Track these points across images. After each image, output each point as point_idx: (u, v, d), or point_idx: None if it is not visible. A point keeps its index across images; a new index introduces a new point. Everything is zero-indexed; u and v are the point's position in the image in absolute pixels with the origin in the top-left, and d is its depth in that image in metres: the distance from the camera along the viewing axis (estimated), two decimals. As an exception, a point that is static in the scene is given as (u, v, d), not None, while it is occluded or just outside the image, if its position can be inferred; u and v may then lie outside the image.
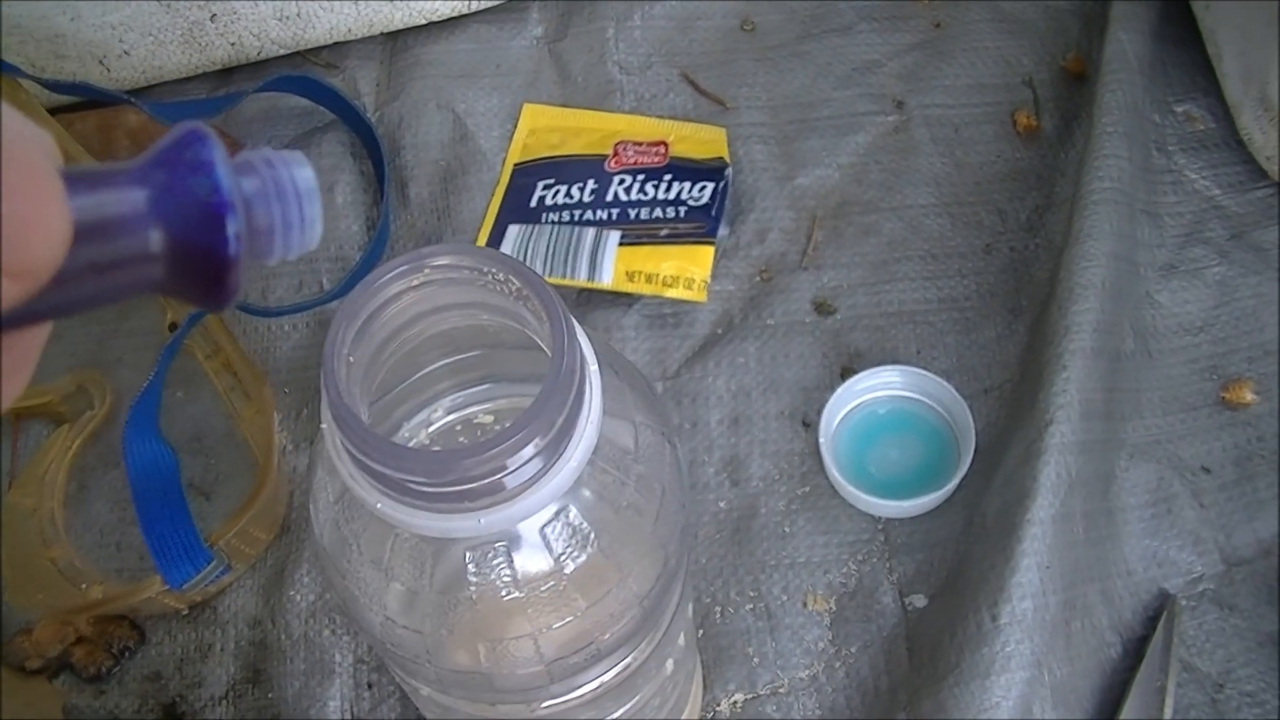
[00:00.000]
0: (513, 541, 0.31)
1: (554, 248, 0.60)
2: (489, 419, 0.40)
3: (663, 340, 0.60)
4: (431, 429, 0.39)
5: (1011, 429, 0.56)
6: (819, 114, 0.65)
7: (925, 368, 0.59)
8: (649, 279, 0.59)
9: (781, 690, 0.52)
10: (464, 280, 0.31)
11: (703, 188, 0.61)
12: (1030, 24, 0.67)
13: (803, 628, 0.53)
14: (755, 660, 0.53)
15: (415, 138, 0.65)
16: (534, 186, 0.63)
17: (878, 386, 0.58)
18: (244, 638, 0.55)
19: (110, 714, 0.54)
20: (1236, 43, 0.59)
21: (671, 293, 0.59)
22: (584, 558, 0.32)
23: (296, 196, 0.22)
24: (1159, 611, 0.53)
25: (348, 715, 0.53)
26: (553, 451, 0.29)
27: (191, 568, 0.52)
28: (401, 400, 0.37)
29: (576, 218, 0.61)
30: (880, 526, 0.56)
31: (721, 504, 0.57)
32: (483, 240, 0.62)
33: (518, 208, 0.62)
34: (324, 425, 0.31)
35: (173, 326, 0.60)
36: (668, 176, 0.61)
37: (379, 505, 0.29)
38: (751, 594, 0.55)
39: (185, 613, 0.56)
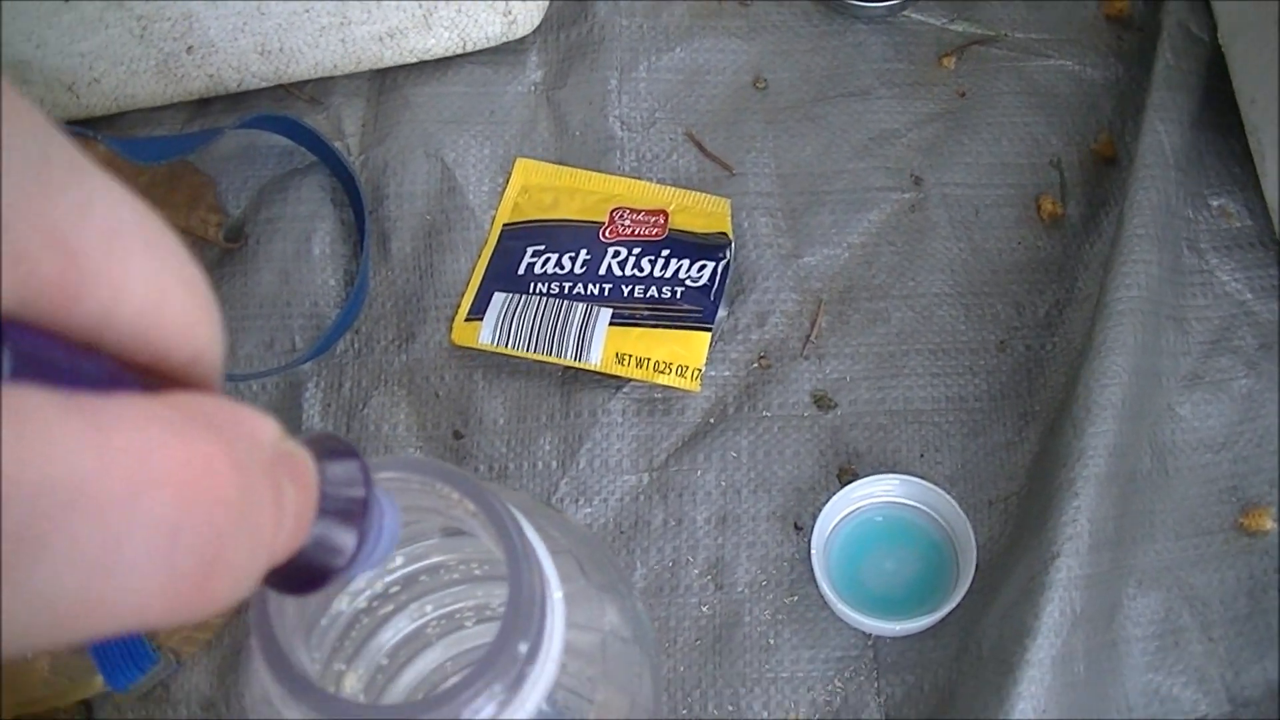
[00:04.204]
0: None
1: (540, 323, 0.56)
2: (454, 560, 0.38)
3: (651, 428, 0.56)
4: (390, 578, 0.38)
5: (1015, 552, 0.52)
6: (831, 186, 0.60)
7: (928, 472, 0.55)
8: (639, 364, 0.55)
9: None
10: (414, 491, 0.29)
11: (702, 267, 0.57)
12: (1061, 98, 0.62)
13: (782, 756, 0.51)
14: (730, 792, 0.50)
15: (400, 187, 0.61)
16: (523, 251, 0.59)
17: (877, 494, 0.54)
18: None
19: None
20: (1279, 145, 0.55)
21: (663, 380, 0.56)
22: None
23: (379, 538, 0.24)
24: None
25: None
26: (510, 693, 0.27)
27: (137, 670, 0.49)
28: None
29: (566, 290, 0.57)
30: (870, 643, 0.53)
31: (704, 609, 0.54)
32: (466, 306, 0.58)
33: (504, 274, 0.58)
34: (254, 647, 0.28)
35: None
36: (665, 252, 0.57)
37: None
38: (730, 708, 0.52)
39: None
